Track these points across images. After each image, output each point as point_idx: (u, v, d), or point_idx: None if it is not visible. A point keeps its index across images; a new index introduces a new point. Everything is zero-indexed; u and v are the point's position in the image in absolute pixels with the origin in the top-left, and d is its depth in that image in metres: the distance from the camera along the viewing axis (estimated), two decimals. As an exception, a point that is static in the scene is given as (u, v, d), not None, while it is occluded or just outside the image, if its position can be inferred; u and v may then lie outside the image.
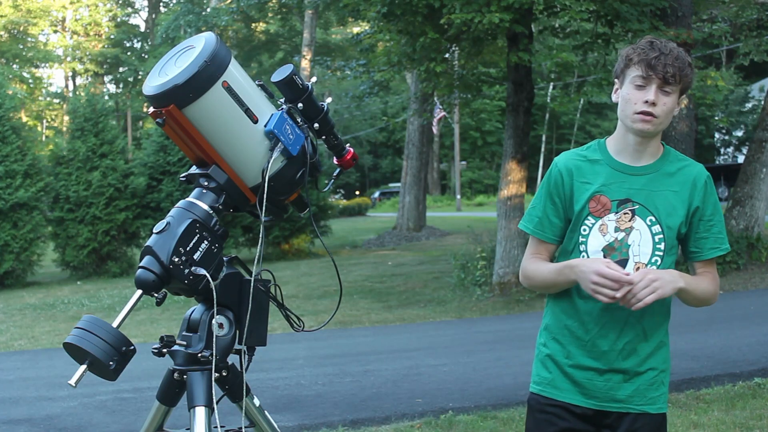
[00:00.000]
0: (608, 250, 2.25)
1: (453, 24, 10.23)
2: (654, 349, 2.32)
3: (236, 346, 2.08)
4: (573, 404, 2.30)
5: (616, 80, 2.29)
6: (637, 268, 2.23)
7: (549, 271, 2.32)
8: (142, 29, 55.23)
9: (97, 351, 1.84)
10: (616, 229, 2.24)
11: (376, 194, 51.80)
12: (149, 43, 51.86)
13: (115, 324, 1.91)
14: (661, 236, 2.24)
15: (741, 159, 27.19)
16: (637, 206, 2.24)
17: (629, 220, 2.24)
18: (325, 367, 6.99)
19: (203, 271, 1.97)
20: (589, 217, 2.27)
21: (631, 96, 2.20)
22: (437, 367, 6.76)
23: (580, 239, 2.28)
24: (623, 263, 2.23)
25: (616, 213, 2.25)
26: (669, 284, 2.16)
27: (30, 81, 49.99)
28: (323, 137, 2.19)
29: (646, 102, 2.17)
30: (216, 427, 2.00)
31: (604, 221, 2.25)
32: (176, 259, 1.94)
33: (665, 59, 2.16)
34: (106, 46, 52.09)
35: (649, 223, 2.24)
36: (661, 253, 2.24)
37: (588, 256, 2.26)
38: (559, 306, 2.35)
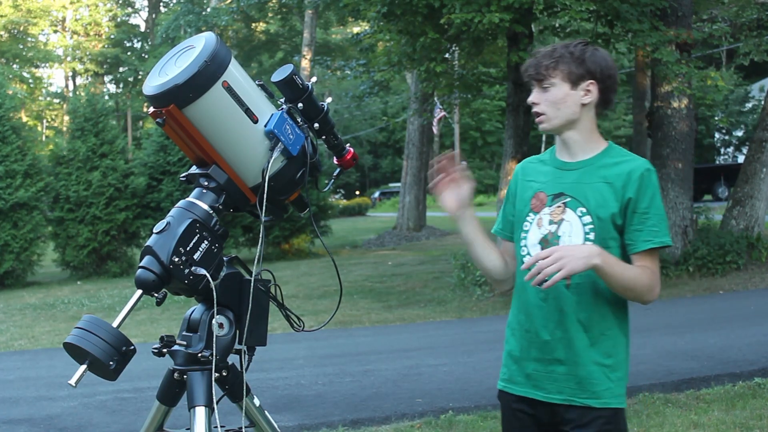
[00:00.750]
0: (543, 243, 2.32)
1: (453, 24, 10.22)
2: (594, 341, 2.30)
3: (236, 346, 2.08)
4: (529, 398, 2.36)
5: None
6: None
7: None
8: (142, 29, 55.23)
9: (97, 351, 1.85)
10: (550, 222, 2.33)
11: (376, 194, 51.79)
12: (149, 43, 51.84)
13: (115, 324, 1.91)
14: (591, 226, 2.27)
15: (741, 159, 27.20)
16: (568, 199, 2.31)
17: (561, 213, 2.31)
18: (325, 367, 6.99)
19: (203, 271, 1.97)
20: (530, 213, 2.38)
21: None
22: (437, 367, 6.76)
23: (522, 234, 2.39)
24: None
25: (550, 207, 2.34)
26: (579, 260, 2.13)
27: (30, 81, 49.99)
28: (323, 137, 2.19)
29: (532, 104, 2.34)
30: (216, 427, 2.00)
31: (541, 215, 2.35)
32: (176, 259, 1.94)
33: (532, 61, 2.32)
34: (106, 46, 52.08)
35: (579, 214, 2.29)
36: (591, 243, 2.26)
37: (528, 250, 2.36)
38: (515, 301, 2.45)
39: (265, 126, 2.04)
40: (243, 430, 2.11)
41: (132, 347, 1.90)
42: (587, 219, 2.28)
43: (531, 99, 2.33)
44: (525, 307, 2.37)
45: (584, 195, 2.29)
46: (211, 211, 2.03)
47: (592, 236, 2.26)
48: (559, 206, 2.32)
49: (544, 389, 2.33)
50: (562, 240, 2.29)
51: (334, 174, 2.33)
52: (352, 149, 2.26)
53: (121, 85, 53.56)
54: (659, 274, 2.33)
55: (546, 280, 2.15)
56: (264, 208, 2.07)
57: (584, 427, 2.28)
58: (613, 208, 2.26)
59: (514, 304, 2.44)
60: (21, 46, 49.46)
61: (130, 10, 56.20)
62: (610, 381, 2.31)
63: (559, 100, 2.28)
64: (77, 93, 31.51)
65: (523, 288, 2.37)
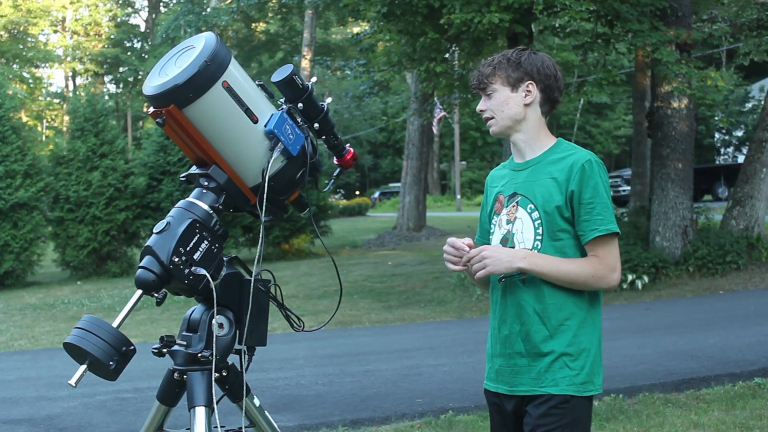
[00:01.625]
0: (504, 242, 2.45)
1: (453, 24, 10.23)
2: (553, 332, 2.36)
3: (236, 346, 2.08)
4: (499, 392, 2.48)
5: None
6: None
7: None
8: (142, 29, 55.20)
9: (97, 351, 1.85)
10: (507, 222, 2.46)
11: (376, 194, 51.76)
12: (149, 43, 51.82)
13: (115, 324, 1.91)
14: (540, 221, 2.38)
15: (741, 159, 27.19)
16: (520, 197, 2.43)
17: (515, 212, 2.44)
18: (325, 367, 6.99)
19: (203, 271, 1.97)
20: (494, 216, 2.53)
21: None
22: (437, 367, 6.76)
23: (490, 237, 2.53)
24: None
25: (507, 207, 2.47)
26: (502, 263, 2.32)
27: (30, 81, 49.96)
28: (323, 137, 2.20)
29: (480, 112, 2.47)
30: (216, 427, 2.00)
31: (500, 216, 2.49)
32: (176, 259, 1.94)
33: (475, 73, 2.47)
34: (106, 46, 52.05)
35: (529, 211, 2.41)
36: (540, 237, 2.38)
37: None
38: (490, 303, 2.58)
39: (265, 126, 2.04)
40: (243, 430, 2.11)
41: (132, 347, 1.90)
42: (536, 215, 2.39)
43: (478, 107, 2.47)
44: (492, 306, 2.51)
45: (532, 192, 2.40)
46: (211, 211, 2.03)
47: (540, 230, 2.38)
48: (513, 205, 2.45)
49: (509, 383, 2.43)
50: (516, 237, 2.42)
51: (334, 174, 2.33)
52: (352, 149, 2.26)
53: (121, 85, 53.52)
54: (614, 261, 2.38)
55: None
56: (264, 208, 2.07)
57: (537, 407, 2.35)
58: (558, 200, 2.36)
59: (490, 306, 2.57)
60: (21, 46, 49.44)
61: (130, 10, 56.18)
62: (569, 369, 2.36)
63: (501, 104, 2.42)
64: (77, 93, 31.53)
65: (492, 288, 2.52)
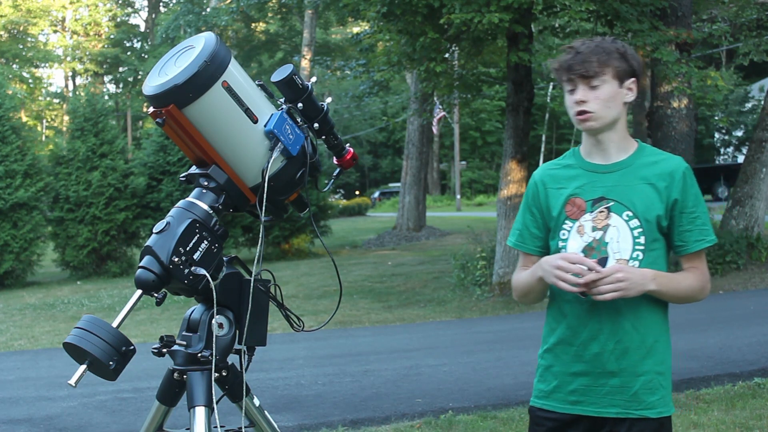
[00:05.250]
0: (588, 251, 2.22)
1: (453, 24, 10.22)
2: (649, 348, 2.26)
3: (236, 346, 2.08)
4: (571, 414, 2.27)
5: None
6: None
7: (525, 275, 2.36)
8: (142, 29, 55.26)
9: (97, 351, 1.85)
10: (594, 229, 2.23)
11: (376, 194, 51.79)
12: (149, 43, 51.86)
13: (115, 324, 1.91)
14: (641, 230, 2.21)
15: (741, 159, 27.19)
16: (612, 203, 2.22)
17: (605, 218, 2.22)
18: (325, 367, 6.99)
19: (203, 271, 1.97)
20: (566, 221, 2.27)
21: (568, 102, 2.27)
22: (437, 367, 6.76)
23: (560, 244, 2.27)
24: (603, 261, 2.20)
25: (592, 212, 2.24)
26: (636, 286, 2.15)
27: (30, 81, 50.01)
28: (323, 137, 2.19)
29: (577, 102, 2.21)
30: (216, 427, 2.00)
31: (581, 222, 2.25)
32: (176, 259, 1.94)
33: (581, 57, 2.20)
34: (106, 46, 52.11)
35: (626, 218, 2.21)
36: (642, 247, 2.21)
37: None
38: (550, 314, 2.35)
39: (265, 126, 2.04)
40: (243, 430, 2.11)
41: (132, 347, 1.90)
42: (635, 222, 2.21)
43: (579, 97, 2.21)
44: (565, 320, 2.28)
45: (628, 198, 2.21)
46: (211, 211, 2.03)
47: (642, 240, 2.21)
48: (601, 211, 2.23)
49: (594, 404, 2.25)
50: (611, 246, 2.21)
51: (334, 174, 2.33)
52: (351, 149, 2.26)
53: (121, 85, 53.59)
54: (708, 271, 2.33)
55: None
56: (264, 208, 2.07)
57: None
58: (659, 209, 2.21)
59: (550, 317, 2.35)
60: (21, 46, 49.49)
61: (130, 10, 56.24)
62: (663, 388, 2.29)
63: (609, 98, 2.21)
64: (77, 93, 31.51)
65: (563, 300, 2.28)
